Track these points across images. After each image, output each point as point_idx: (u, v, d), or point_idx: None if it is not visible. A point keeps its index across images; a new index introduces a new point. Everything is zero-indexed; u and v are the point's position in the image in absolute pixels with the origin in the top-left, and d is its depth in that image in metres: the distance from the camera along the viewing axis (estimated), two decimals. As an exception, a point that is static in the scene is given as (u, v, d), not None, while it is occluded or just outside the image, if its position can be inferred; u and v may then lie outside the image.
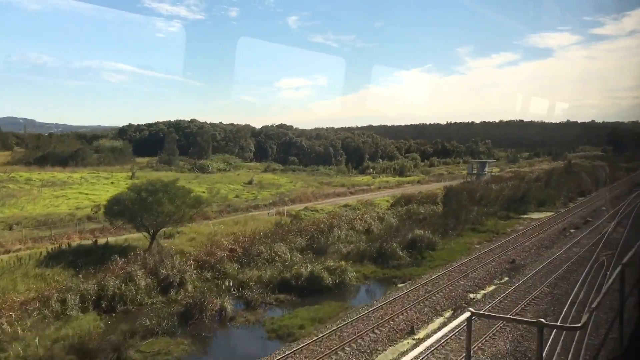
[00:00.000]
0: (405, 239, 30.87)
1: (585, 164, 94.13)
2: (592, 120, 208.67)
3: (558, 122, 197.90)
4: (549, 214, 45.70)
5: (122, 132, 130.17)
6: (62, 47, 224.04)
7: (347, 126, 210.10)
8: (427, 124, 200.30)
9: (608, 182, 68.37)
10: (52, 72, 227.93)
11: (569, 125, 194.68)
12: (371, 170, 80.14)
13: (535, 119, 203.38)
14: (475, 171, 69.84)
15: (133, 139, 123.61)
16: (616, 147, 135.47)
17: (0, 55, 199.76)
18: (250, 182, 55.03)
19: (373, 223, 36.55)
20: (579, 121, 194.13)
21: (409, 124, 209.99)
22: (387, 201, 48.84)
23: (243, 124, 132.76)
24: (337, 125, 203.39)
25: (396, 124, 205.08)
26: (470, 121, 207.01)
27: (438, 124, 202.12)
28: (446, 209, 39.00)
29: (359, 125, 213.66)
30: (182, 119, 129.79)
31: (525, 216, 44.55)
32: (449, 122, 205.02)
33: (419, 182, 68.16)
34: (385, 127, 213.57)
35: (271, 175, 67.22)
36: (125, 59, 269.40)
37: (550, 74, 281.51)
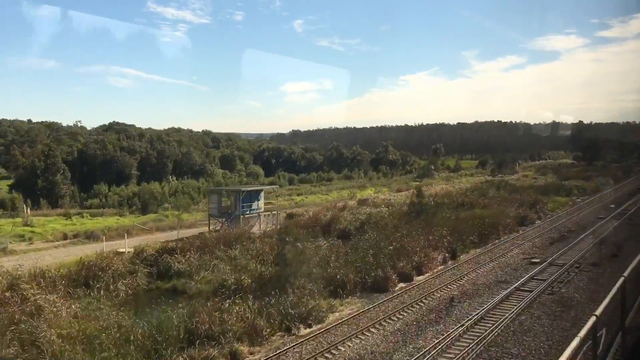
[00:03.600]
0: None
1: (510, 186, 57.66)
2: (580, 122, 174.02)
3: (539, 122, 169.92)
4: None
5: None
6: (67, 51, 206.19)
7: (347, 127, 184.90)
8: (393, 125, 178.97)
9: (500, 233, 31.98)
10: (56, 76, 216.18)
11: (554, 127, 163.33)
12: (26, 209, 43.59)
13: (515, 120, 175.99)
14: (226, 210, 33.63)
15: None
16: (590, 153, 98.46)
17: (4, 61, 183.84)
18: None
19: None
20: (564, 122, 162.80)
21: (373, 125, 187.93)
22: None
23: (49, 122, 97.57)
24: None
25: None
26: (441, 122, 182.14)
27: (407, 125, 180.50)
28: None
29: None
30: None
31: None
32: (416, 124, 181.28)
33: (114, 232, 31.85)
34: (348, 129, 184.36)
35: None
36: (130, 63, 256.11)
37: (557, 77, 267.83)
